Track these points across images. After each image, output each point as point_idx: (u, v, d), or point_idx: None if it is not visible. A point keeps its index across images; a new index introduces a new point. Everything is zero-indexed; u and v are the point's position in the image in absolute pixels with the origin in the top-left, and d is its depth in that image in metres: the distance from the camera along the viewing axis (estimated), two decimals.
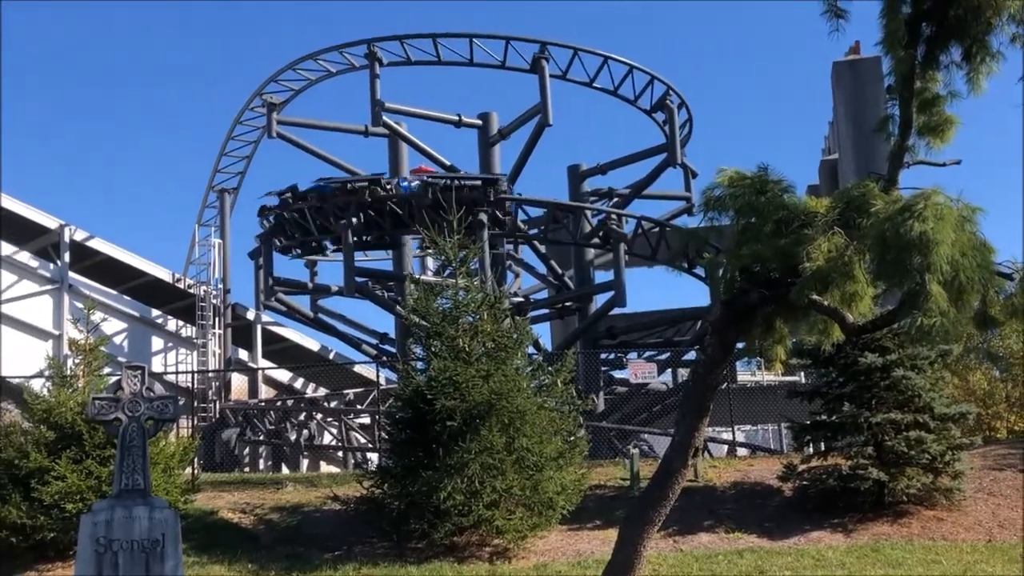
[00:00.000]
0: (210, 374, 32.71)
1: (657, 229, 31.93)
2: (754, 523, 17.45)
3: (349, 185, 30.33)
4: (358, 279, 31.28)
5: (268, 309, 33.47)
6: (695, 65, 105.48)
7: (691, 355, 31.07)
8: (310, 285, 34.30)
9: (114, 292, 33.72)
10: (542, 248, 35.57)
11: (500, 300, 18.82)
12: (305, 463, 31.93)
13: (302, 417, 31.36)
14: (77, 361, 17.90)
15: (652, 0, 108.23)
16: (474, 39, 32.09)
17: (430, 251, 30.99)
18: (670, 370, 33.62)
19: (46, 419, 16.91)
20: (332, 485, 19.71)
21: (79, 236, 33.47)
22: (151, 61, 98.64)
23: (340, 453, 32.32)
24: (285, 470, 30.30)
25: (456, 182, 29.69)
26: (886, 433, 17.82)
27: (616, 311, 31.86)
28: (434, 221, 21.89)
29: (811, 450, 19.58)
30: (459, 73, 62.01)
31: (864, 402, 18.03)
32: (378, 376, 28.57)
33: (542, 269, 36.92)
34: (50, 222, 33.29)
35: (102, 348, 18.00)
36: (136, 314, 33.87)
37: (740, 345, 12.15)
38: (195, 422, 27.39)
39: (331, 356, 37.18)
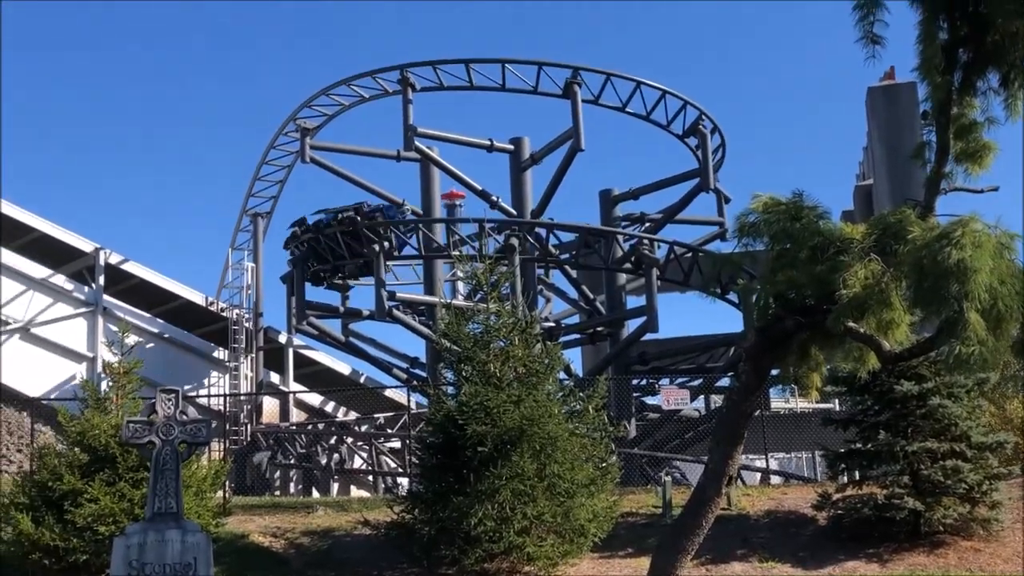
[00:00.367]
0: (242, 397, 32.82)
1: (690, 254, 31.79)
2: (788, 552, 17.26)
3: (339, 216, 30.95)
4: (389, 303, 31.36)
5: (300, 333, 33.58)
6: (727, 89, 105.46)
7: (724, 381, 30.86)
8: (341, 309, 34.40)
9: (147, 315, 33.97)
10: (573, 273, 35.50)
11: (531, 325, 18.77)
12: (335, 487, 31.96)
13: (333, 441, 31.40)
14: (111, 384, 18.00)
15: (685, 26, 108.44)
16: (506, 64, 32.17)
17: (459, 275, 31.26)
18: (702, 396, 33.39)
19: (80, 441, 17.00)
20: (363, 510, 19.69)
21: (114, 259, 33.76)
22: (186, 88, 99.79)
23: (370, 477, 32.30)
24: (315, 494, 30.35)
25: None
26: (922, 462, 17.61)
27: (648, 337, 31.69)
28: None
29: (846, 479, 19.37)
30: (491, 98, 62.19)
31: (900, 430, 17.82)
32: (409, 400, 28.55)
33: (573, 294, 36.84)
34: (85, 245, 33.62)
35: (136, 372, 18.09)
36: (169, 337, 34.08)
37: (774, 372, 12.07)
38: (226, 445, 27.48)
39: (362, 380, 37.24)
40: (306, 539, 18.65)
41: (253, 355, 34.48)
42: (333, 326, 34.35)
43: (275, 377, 35.59)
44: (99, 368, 30.13)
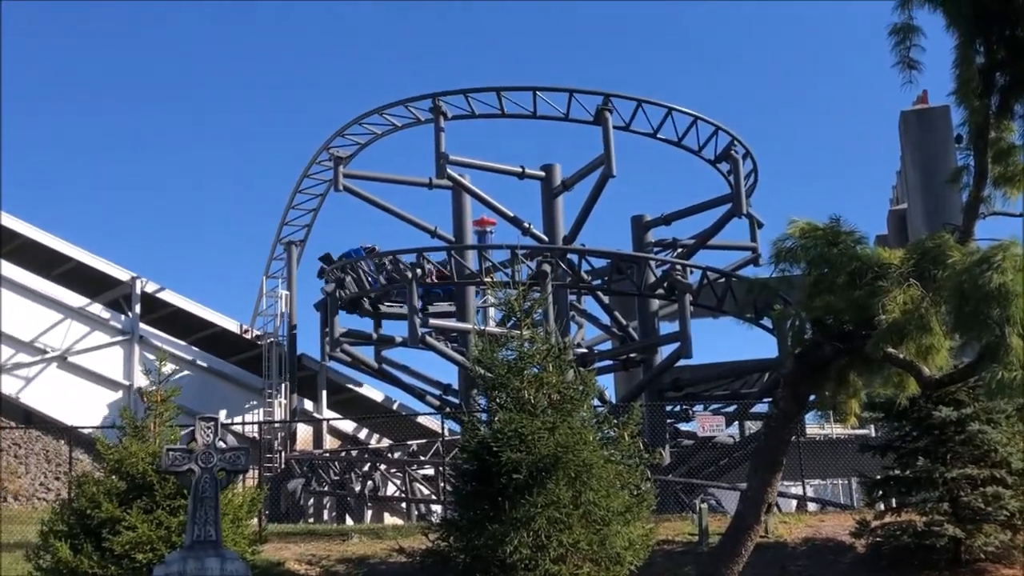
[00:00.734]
0: (276, 424, 32.95)
1: (723, 280, 31.66)
2: None
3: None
4: (421, 330, 31.43)
5: (333, 360, 33.71)
6: (759, 113, 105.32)
7: (759, 407, 30.65)
8: (374, 336, 34.51)
9: (182, 343, 34.22)
10: (606, 299, 35.43)
11: (565, 351, 18.73)
12: (369, 514, 31.95)
13: (366, 468, 31.42)
14: (148, 411, 18.10)
15: (715, 51, 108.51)
16: (537, 92, 32.30)
17: (490, 302, 31.36)
18: (737, 423, 33.16)
19: (118, 469, 17.07)
20: (397, 537, 19.67)
21: (150, 288, 34.09)
22: (221, 118, 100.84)
23: (403, 504, 32.27)
24: (349, 521, 30.33)
25: None
26: (962, 489, 17.40)
27: (682, 363, 31.54)
28: None
29: (883, 506, 19.16)
30: (522, 125, 62.44)
31: (939, 456, 17.62)
32: (443, 427, 28.55)
33: (606, 320, 36.76)
34: (122, 274, 33.98)
35: (172, 399, 18.18)
36: (204, 365, 34.31)
37: (812, 398, 12.00)
38: (261, 472, 27.57)
39: (395, 407, 37.29)
40: (341, 567, 18.65)
41: (287, 382, 34.63)
42: (366, 353, 34.47)
43: (308, 404, 35.72)
44: (135, 396, 30.39)
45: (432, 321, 33.98)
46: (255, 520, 19.53)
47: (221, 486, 11.31)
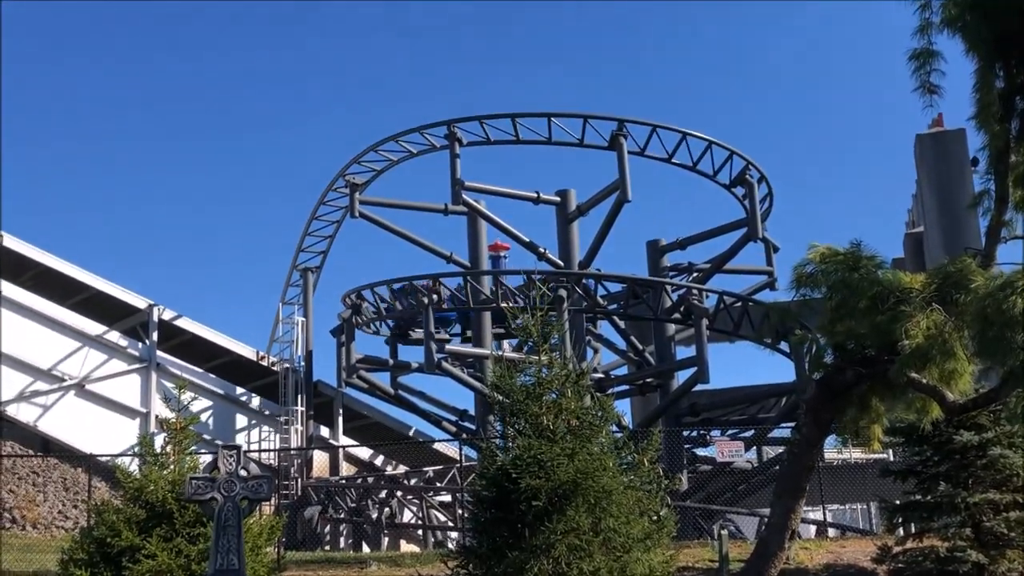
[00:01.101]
0: (292, 452, 32.94)
1: (739, 304, 31.61)
2: None
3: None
4: (438, 355, 31.43)
5: (349, 386, 33.71)
6: (772, 137, 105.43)
7: (777, 432, 30.51)
8: (391, 362, 34.49)
9: (199, 370, 34.30)
10: (622, 324, 35.37)
11: (583, 376, 18.69)
12: (385, 541, 31.87)
13: (383, 495, 31.36)
14: (167, 439, 18.11)
15: (729, 75, 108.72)
16: (552, 118, 32.41)
17: (506, 328, 31.28)
18: (755, 448, 33.01)
19: (137, 497, 17.08)
20: (416, 564, 19.62)
21: (167, 315, 34.21)
22: (238, 145, 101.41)
23: (420, 532, 32.18)
24: (366, 548, 30.25)
25: None
26: (984, 514, 17.22)
27: (699, 387, 31.44)
28: None
29: (904, 531, 19.00)
30: (537, 151, 62.59)
31: (960, 481, 17.46)
32: (460, 453, 28.48)
33: (622, 345, 36.69)
34: (139, 302, 34.11)
35: (191, 427, 18.20)
36: (221, 392, 34.37)
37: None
38: (278, 500, 27.54)
39: (411, 433, 37.24)
40: None
41: (303, 409, 34.65)
42: (382, 379, 34.47)
43: (325, 431, 35.71)
44: (152, 423, 30.46)
45: (448, 347, 33.98)
46: (273, 548, 19.49)
47: (244, 514, 11.29)
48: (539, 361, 17.86)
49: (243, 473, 11.26)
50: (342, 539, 32.33)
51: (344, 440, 35.33)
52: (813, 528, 26.44)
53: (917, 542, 17.97)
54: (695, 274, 35.06)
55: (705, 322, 30.38)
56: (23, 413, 31.03)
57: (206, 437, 31.34)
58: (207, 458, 15.68)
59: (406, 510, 32.02)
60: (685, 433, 32.11)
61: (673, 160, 33.15)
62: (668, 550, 17.78)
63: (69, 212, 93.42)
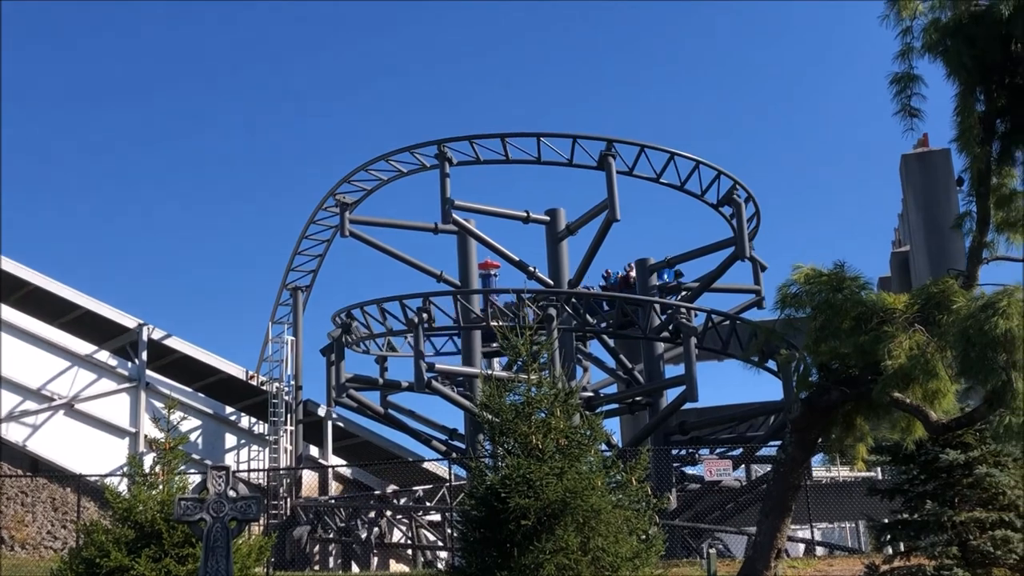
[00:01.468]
0: (281, 471, 32.88)
1: (727, 322, 31.75)
2: None
3: None
4: (428, 374, 31.45)
5: (339, 405, 33.69)
6: (759, 156, 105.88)
7: (765, 451, 30.59)
8: (381, 381, 34.50)
9: (189, 389, 34.27)
10: (611, 342, 35.45)
11: (572, 395, 18.75)
12: (375, 561, 31.80)
13: (372, 514, 31.32)
14: (156, 459, 18.12)
15: (717, 94, 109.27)
16: (541, 138, 32.56)
17: (495, 346, 31.34)
18: (743, 466, 33.08)
19: (126, 517, 17.08)
20: None
21: (156, 335, 34.18)
22: (226, 165, 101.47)
23: (410, 551, 32.12)
24: (355, 568, 30.21)
25: None
26: (971, 532, 17.30)
27: (688, 406, 31.52)
28: None
29: (891, 549, 19.07)
30: (527, 170, 62.82)
31: (947, 500, 17.54)
32: (450, 473, 28.49)
33: (611, 363, 36.77)
34: (129, 321, 34.08)
35: (180, 447, 18.21)
36: (210, 411, 34.33)
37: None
38: (267, 520, 27.50)
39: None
40: None
41: (292, 428, 34.62)
42: (372, 398, 34.49)
43: (314, 450, 35.67)
44: (142, 443, 30.43)
45: (438, 366, 34.00)
46: (262, 568, 19.48)
47: (232, 535, 11.33)
48: (528, 380, 17.95)
49: (232, 494, 11.31)
50: (331, 559, 32.25)
51: (333, 459, 35.30)
52: (801, 547, 26.52)
53: (905, 560, 18.03)
54: (684, 293, 35.19)
55: (694, 341, 30.51)
56: (12, 433, 30.94)
57: (195, 456, 31.26)
58: (196, 478, 15.73)
59: (395, 530, 31.97)
60: (674, 451, 32.16)
61: (661, 180, 33.31)
62: (656, 569, 17.82)
63: (58, 231, 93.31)
